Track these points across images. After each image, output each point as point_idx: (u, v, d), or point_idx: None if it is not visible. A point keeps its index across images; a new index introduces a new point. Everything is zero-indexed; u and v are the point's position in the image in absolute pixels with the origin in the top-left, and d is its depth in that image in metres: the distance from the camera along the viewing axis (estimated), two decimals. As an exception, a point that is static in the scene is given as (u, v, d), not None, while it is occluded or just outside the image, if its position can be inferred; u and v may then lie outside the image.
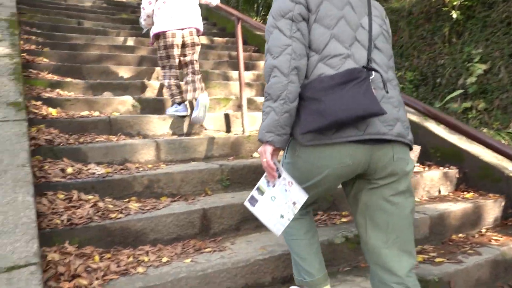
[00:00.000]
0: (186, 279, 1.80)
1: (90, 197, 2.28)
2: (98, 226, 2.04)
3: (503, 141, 3.89)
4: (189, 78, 3.47)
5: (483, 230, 2.84)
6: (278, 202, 1.48)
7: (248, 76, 4.73)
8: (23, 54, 3.92)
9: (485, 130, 4.19)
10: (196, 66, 3.52)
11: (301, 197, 1.47)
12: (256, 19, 8.56)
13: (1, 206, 1.81)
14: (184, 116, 3.44)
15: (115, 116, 3.19)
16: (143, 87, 3.97)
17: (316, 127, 1.34)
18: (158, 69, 4.36)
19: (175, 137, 3.34)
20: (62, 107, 3.28)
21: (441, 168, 3.33)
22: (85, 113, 3.31)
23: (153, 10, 3.42)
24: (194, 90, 3.44)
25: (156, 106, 3.69)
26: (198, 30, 3.50)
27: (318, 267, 1.71)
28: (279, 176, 1.47)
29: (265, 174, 1.50)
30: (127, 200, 2.39)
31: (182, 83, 3.55)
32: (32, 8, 5.78)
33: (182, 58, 3.49)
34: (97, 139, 2.94)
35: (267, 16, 1.54)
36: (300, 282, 1.76)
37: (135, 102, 3.60)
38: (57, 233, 1.96)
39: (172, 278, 1.77)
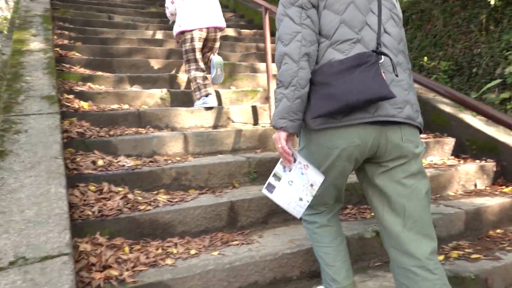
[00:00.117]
0: (214, 272, 1.80)
1: (120, 189, 2.32)
2: (128, 218, 2.07)
3: (545, 133, 3.68)
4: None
5: (523, 227, 2.70)
6: (296, 186, 1.50)
7: (275, 67, 4.67)
8: (56, 49, 4.02)
9: (525, 121, 3.98)
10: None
11: (318, 178, 1.50)
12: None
13: (35, 197, 1.87)
14: (211, 108, 3.47)
15: (144, 109, 3.22)
16: (171, 80, 4.00)
17: (326, 111, 1.37)
18: (185, 62, 4.38)
19: (202, 129, 3.35)
20: (93, 101, 3.34)
21: (477, 161, 3.19)
22: (115, 106, 3.37)
23: (175, 9, 3.61)
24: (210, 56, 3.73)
25: (184, 99, 3.70)
26: (220, 28, 3.64)
27: (345, 274, 1.67)
28: (295, 161, 1.49)
29: (280, 160, 1.52)
30: (155, 192, 2.42)
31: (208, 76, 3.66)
32: (65, 4, 5.93)
33: (204, 55, 3.70)
34: (126, 132, 2.99)
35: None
36: None
37: (163, 95, 3.63)
38: (88, 224, 2.01)
39: (200, 270, 1.78)
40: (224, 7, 7.61)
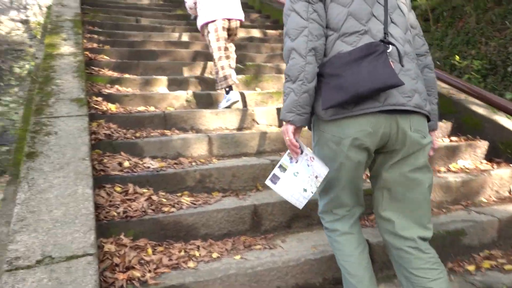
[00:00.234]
0: (236, 276, 1.79)
1: (145, 190, 2.35)
2: (151, 220, 2.09)
3: None
4: (230, 62, 3.84)
5: (562, 236, 2.56)
6: (301, 177, 1.54)
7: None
8: (86, 52, 4.13)
9: None
10: (233, 50, 3.92)
11: (323, 170, 1.53)
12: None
13: (63, 197, 1.91)
14: (236, 101, 3.59)
15: (170, 111, 3.26)
16: (197, 82, 4.03)
17: (337, 102, 1.40)
18: (211, 64, 4.41)
19: (227, 131, 3.35)
20: (121, 103, 3.41)
21: (512, 165, 3.05)
22: (142, 108, 3.42)
23: (194, 3, 3.79)
24: (228, 58, 3.81)
25: (208, 101, 3.73)
26: (240, 21, 3.81)
27: (368, 283, 1.62)
28: (302, 153, 1.54)
29: (287, 151, 1.57)
30: (179, 194, 2.43)
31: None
32: (94, 8, 6.09)
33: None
34: (152, 134, 3.03)
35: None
36: None
37: (189, 97, 3.66)
38: (114, 224, 2.04)
39: (222, 274, 1.77)
40: (250, 7, 7.62)
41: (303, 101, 1.46)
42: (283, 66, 4.70)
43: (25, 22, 7.33)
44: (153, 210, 2.17)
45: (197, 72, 4.39)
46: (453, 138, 3.39)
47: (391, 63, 1.40)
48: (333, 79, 1.42)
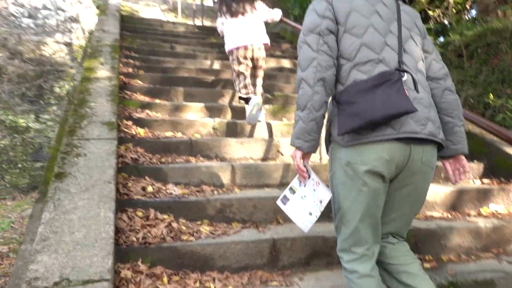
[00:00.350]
0: (250, 313, 1.75)
1: (165, 216, 2.36)
2: (170, 248, 2.09)
3: None
4: (256, 81, 4.03)
5: None
6: (307, 201, 1.62)
7: (329, 101, 4.63)
8: (121, 76, 4.29)
9: None
10: (261, 73, 4.03)
11: (326, 195, 1.60)
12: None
13: (86, 220, 1.95)
14: (258, 102, 3.66)
15: (196, 138, 3.31)
16: (224, 110, 4.09)
17: (351, 128, 1.44)
18: (240, 92, 4.48)
19: (251, 161, 3.36)
20: (150, 127, 3.49)
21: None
22: (169, 133, 3.49)
23: (221, 31, 4.05)
24: (255, 86, 4.00)
25: (235, 129, 3.76)
26: (265, 45, 3.93)
27: None
28: (309, 177, 1.62)
29: (297, 175, 1.65)
30: (199, 222, 2.43)
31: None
32: (133, 34, 6.37)
33: (251, 71, 3.99)
34: (177, 160, 3.07)
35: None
36: None
37: (216, 124, 3.72)
38: (132, 250, 2.05)
39: (235, 310, 1.74)
40: (281, 38, 7.75)
41: (310, 129, 1.53)
42: (311, 97, 4.70)
43: (68, 44, 7.73)
44: (172, 237, 2.18)
45: (226, 100, 4.47)
46: (485, 180, 3.26)
47: (406, 91, 1.44)
48: (348, 106, 1.46)
